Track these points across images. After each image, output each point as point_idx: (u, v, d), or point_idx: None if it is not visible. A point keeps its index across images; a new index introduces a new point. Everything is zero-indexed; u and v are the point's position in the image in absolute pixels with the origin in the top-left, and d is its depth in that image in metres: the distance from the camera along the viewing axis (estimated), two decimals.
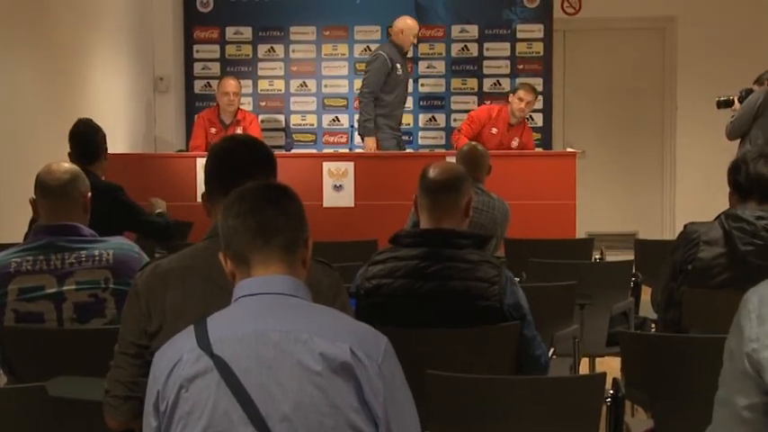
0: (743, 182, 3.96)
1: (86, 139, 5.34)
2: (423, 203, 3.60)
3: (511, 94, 8.52)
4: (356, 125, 8.76)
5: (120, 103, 8.63)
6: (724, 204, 4.11)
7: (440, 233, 3.52)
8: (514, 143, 8.52)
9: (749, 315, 1.94)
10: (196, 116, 8.96)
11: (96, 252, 3.59)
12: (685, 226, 4.14)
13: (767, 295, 1.94)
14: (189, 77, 9.73)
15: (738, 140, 7.68)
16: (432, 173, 3.62)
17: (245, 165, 2.80)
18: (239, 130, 8.43)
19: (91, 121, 5.50)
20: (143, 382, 2.30)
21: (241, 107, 8.80)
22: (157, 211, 5.69)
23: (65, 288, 3.53)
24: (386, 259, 3.52)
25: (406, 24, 8.67)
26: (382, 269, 3.49)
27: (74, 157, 5.21)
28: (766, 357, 1.90)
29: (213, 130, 8.48)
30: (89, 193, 3.79)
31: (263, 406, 2.02)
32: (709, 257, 3.94)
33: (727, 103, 7.83)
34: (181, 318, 2.52)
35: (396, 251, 3.53)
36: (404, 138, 9.69)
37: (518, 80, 9.60)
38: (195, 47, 9.73)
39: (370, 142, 8.37)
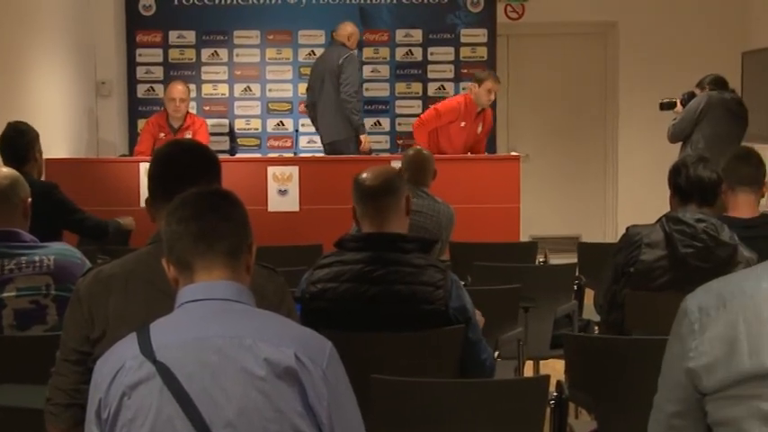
0: (683, 185, 4.02)
1: (13, 142, 5.31)
2: (364, 211, 3.59)
3: (475, 85, 8.32)
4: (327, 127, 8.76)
5: (61, 108, 8.52)
6: (665, 207, 4.16)
7: (385, 237, 3.52)
8: (479, 129, 8.50)
9: (692, 326, 1.94)
10: (145, 121, 8.87)
11: (37, 258, 3.54)
12: (627, 229, 4.18)
13: (705, 303, 1.96)
14: (132, 81, 9.64)
15: (680, 144, 7.78)
16: (367, 180, 3.61)
17: (187, 170, 2.78)
18: (188, 135, 8.38)
19: (20, 123, 5.46)
20: (85, 389, 2.28)
21: (191, 111, 8.73)
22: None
23: (5, 295, 3.48)
24: (331, 263, 3.51)
25: (354, 29, 8.76)
26: (327, 273, 3.49)
27: (4, 161, 5.17)
28: (702, 364, 1.92)
29: (162, 135, 8.40)
30: (29, 199, 3.75)
31: (206, 412, 2.00)
32: (651, 260, 3.98)
33: (669, 105, 7.92)
34: (124, 324, 2.49)
35: (341, 255, 3.52)
36: None
37: (462, 84, 9.65)
38: (138, 51, 9.64)
39: (367, 138, 8.56)
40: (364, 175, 3.65)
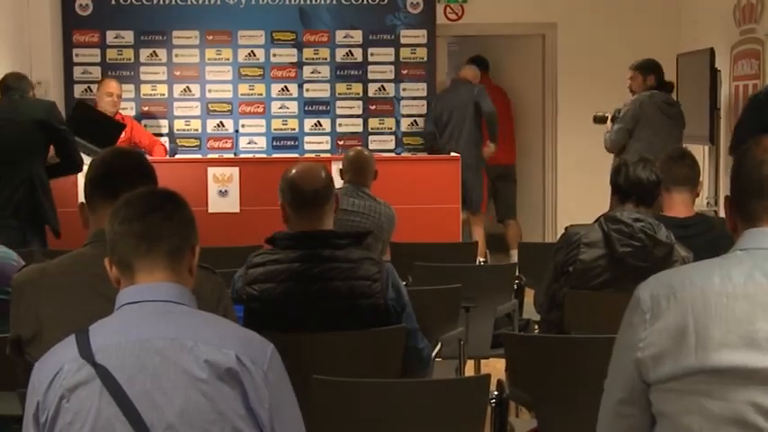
0: (622, 184, 4.07)
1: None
2: (299, 213, 3.58)
3: None
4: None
5: None
6: (605, 207, 4.21)
7: (318, 234, 3.53)
8: None
9: (643, 315, 1.96)
10: None
11: None
12: (566, 228, 4.22)
13: (657, 292, 1.97)
14: (69, 82, 9.51)
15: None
16: (304, 184, 3.59)
17: (128, 172, 2.80)
18: (123, 132, 8.30)
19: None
20: None
21: (120, 111, 8.64)
22: None
23: None
24: (265, 262, 3.51)
25: (476, 72, 9.36)
26: (263, 273, 3.48)
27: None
28: (650, 355, 1.93)
29: None
30: None
31: (147, 414, 1.99)
32: (590, 259, 4.02)
33: (602, 120, 7.90)
34: (58, 326, 2.47)
35: (274, 254, 3.52)
36: (288, 143, 9.69)
37: (402, 85, 9.68)
38: (75, 50, 9.52)
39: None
40: (298, 177, 3.62)
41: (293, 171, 3.65)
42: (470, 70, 9.43)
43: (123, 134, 8.34)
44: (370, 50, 9.70)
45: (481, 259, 6.24)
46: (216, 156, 9.40)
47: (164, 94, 9.62)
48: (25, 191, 6.14)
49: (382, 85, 9.73)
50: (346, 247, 3.50)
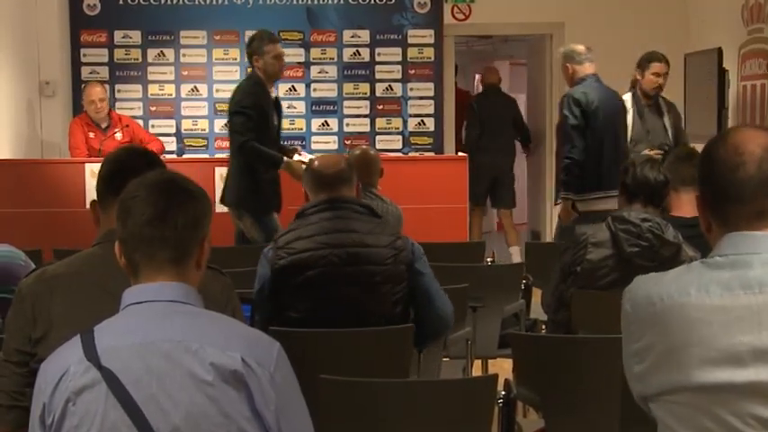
0: (630, 184, 4.07)
1: None
2: (317, 193, 3.80)
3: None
4: None
5: (4, 109, 8.40)
6: None
7: (341, 198, 3.75)
8: None
9: (630, 327, 1.96)
10: (71, 122, 8.70)
11: None
12: (574, 228, 4.21)
13: (637, 307, 1.97)
14: (76, 81, 9.52)
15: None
16: (323, 168, 3.84)
17: (140, 170, 2.78)
18: (118, 133, 8.30)
19: None
20: (28, 391, 2.25)
21: (114, 110, 8.62)
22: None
23: None
24: (294, 228, 3.71)
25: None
26: (294, 234, 3.69)
27: None
28: (640, 371, 1.94)
29: (92, 135, 8.29)
30: None
31: (153, 418, 1.98)
32: (597, 259, 4.02)
33: None
34: (67, 325, 2.46)
35: (303, 220, 3.73)
36: (296, 143, 9.69)
37: (409, 85, 9.68)
38: (82, 50, 9.54)
39: None
40: (319, 162, 3.87)
41: (316, 161, 3.93)
42: (496, 74, 10.14)
43: (122, 135, 8.31)
44: (377, 50, 9.71)
45: (489, 259, 6.21)
46: (223, 155, 9.40)
47: (171, 94, 9.63)
48: None
49: (389, 85, 9.74)
50: (365, 215, 3.74)
